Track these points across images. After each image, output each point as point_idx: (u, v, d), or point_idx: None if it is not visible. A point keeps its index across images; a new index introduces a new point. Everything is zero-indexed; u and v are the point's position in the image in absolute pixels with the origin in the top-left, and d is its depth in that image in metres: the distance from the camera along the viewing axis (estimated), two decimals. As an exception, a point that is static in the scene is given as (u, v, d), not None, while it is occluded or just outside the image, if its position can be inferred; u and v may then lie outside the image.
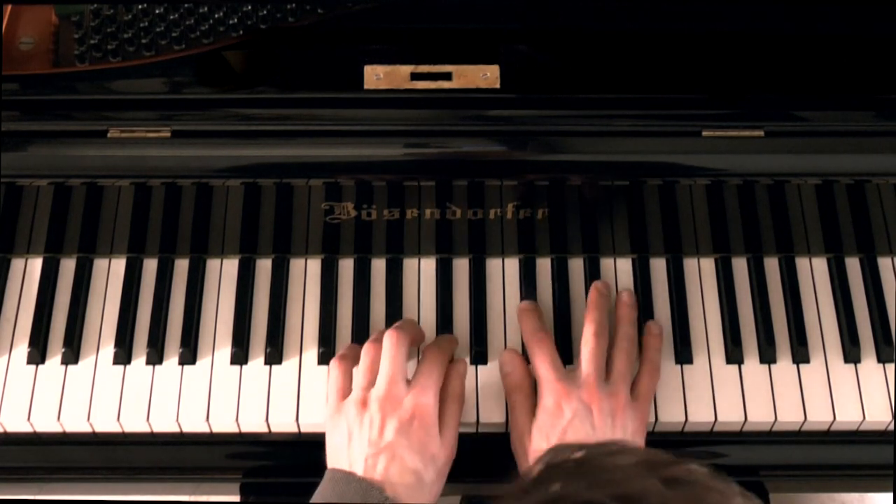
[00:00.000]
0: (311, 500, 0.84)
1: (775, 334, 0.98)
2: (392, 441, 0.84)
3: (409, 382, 0.88)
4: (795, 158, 0.92)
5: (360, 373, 0.90)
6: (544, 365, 0.90)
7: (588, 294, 0.97)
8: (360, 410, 0.86)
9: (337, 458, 0.86)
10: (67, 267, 1.01)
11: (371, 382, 0.88)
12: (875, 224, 0.98)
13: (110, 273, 1.01)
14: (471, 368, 0.96)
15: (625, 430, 0.88)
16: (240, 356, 0.97)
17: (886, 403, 0.95)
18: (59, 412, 0.94)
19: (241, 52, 0.94)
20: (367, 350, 0.91)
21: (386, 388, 0.87)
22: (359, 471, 0.84)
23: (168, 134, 0.89)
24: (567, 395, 0.88)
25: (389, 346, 0.89)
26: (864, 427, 0.95)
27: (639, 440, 0.90)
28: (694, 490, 0.49)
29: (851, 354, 0.97)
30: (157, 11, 0.94)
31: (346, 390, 0.89)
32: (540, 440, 0.87)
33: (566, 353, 0.96)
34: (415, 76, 0.91)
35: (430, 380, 0.88)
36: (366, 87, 0.91)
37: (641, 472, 0.50)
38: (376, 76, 0.91)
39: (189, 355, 0.97)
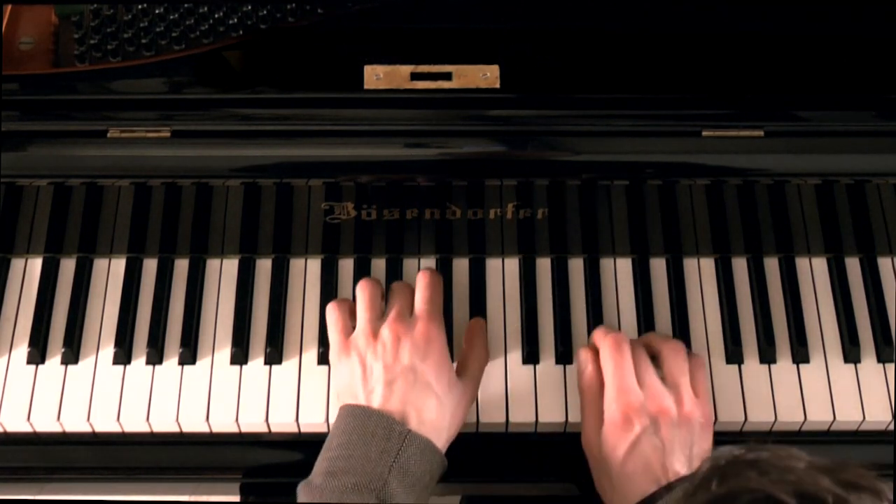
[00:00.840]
0: (330, 435, 0.83)
1: (775, 334, 0.98)
2: (409, 364, 0.84)
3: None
4: (795, 158, 0.92)
5: (361, 308, 0.90)
6: (615, 372, 0.87)
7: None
8: (370, 340, 0.86)
9: (351, 394, 0.85)
10: (67, 267, 1.01)
11: (376, 314, 0.89)
12: (875, 224, 0.98)
13: (110, 273, 1.01)
14: (471, 368, 0.96)
15: (691, 432, 0.86)
16: (240, 356, 0.97)
17: (886, 403, 0.95)
18: (59, 412, 0.94)
19: (241, 52, 0.94)
20: (363, 287, 0.91)
21: (395, 314, 0.87)
22: (376, 401, 0.83)
23: (168, 134, 0.89)
24: (636, 408, 0.85)
25: (395, 286, 0.91)
26: (863, 427, 0.95)
27: (707, 437, 0.87)
28: (868, 493, 0.49)
29: (851, 354, 0.97)
30: (157, 11, 0.94)
31: (349, 328, 0.90)
32: (609, 450, 0.86)
33: (566, 354, 0.96)
34: (415, 76, 0.91)
35: (435, 306, 0.89)
36: (366, 86, 0.91)
37: (815, 473, 0.50)
38: (376, 76, 0.91)
39: (189, 355, 0.97)
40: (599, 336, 0.91)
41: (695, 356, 0.93)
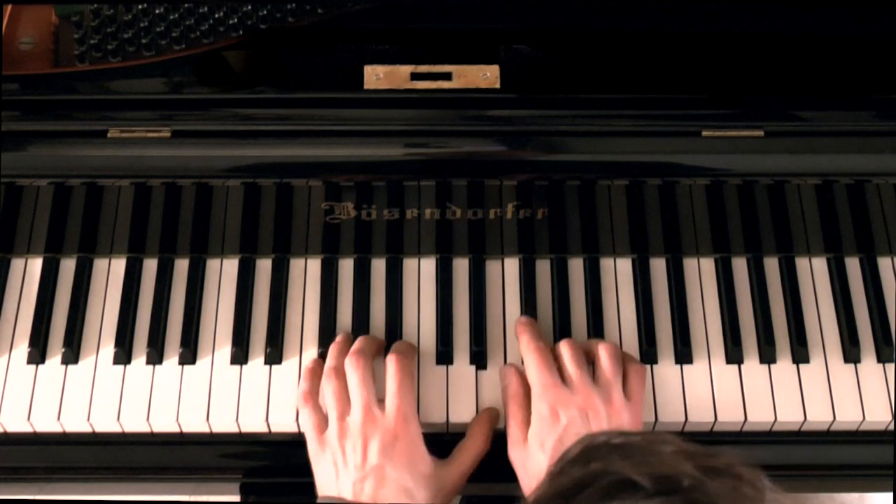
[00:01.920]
0: None
1: (775, 334, 0.98)
2: (377, 463, 0.84)
3: (382, 402, 0.88)
4: (795, 158, 0.92)
5: (330, 404, 0.89)
6: (538, 371, 0.90)
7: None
8: (340, 440, 0.86)
9: (326, 488, 0.86)
10: (67, 267, 1.01)
11: (344, 411, 0.88)
12: (875, 224, 0.98)
13: (110, 273, 1.01)
14: (470, 368, 0.96)
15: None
16: (240, 356, 0.97)
17: (886, 403, 0.95)
18: (59, 412, 0.94)
19: (241, 52, 0.94)
20: (328, 379, 0.91)
21: (362, 412, 0.87)
22: (348, 497, 0.84)
23: (168, 134, 0.89)
24: (563, 402, 0.87)
25: (353, 371, 0.89)
26: (863, 427, 0.95)
27: None
28: (728, 479, 0.49)
29: (851, 354, 0.97)
30: (157, 11, 0.94)
31: (322, 424, 0.89)
32: (536, 448, 0.87)
33: (566, 353, 0.96)
34: (415, 76, 0.91)
35: (404, 395, 0.88)
36: (366, 87, 0.91)
37: (679, 458, 0.51)
38: (376, 76, 0.91)
39: (189, 355, 0.97)
40: (524, 343, 0.93)
41: (634, 363, 0.94)
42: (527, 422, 0.89)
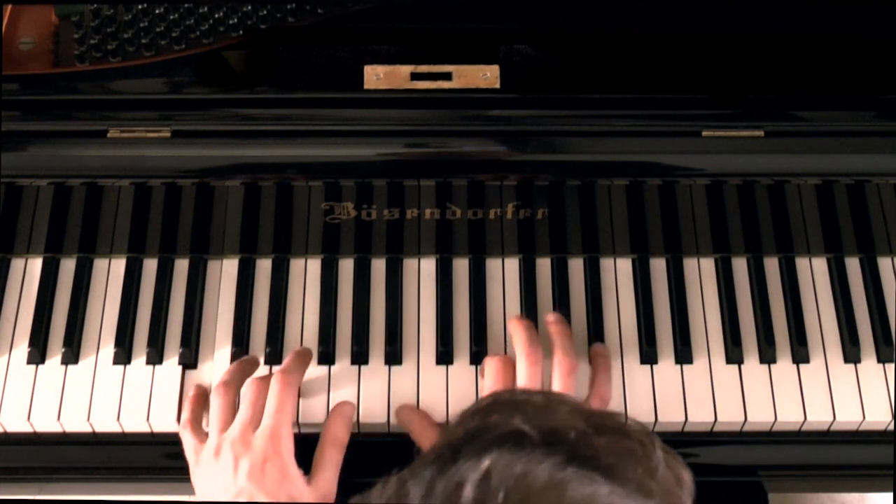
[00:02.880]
0: None
1: (775, 334, 0.98)
2: (245, 486, 0.83)
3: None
4: (795, 158, 0.92)
5: (213, 420, 0.89)
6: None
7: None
8: (214, 456, 0.86)
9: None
10: (67, 267, 1.01)
11: (224, 427, 0.87)
12: (875, 224, 0.98)
13: (110, 273, 1.01)
14: (470, 368, 0.96)
15: None
16: (240, 356, 0.97)
17: (886, 403, 0.95)
18: (59, 412, 0.94)
19: (241, 52, 0.94)
20: (216, 396, 0.89)
21: (240, 431, 0.86)
22: None
23: (168, 134, 0.89)
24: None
25: (248, 390, 0.88)
26: (864, 427, 0.95)
27: None
28: (616, 437, 0.51)
29: (851, 354, 0.97)
30: (157, 11, 0.94)
31: (200, 446, 0.88)
32: None
33: (566, 353, 0.96)
34: (415, 76, 0.91)
35: (282, 416, 0.86)
36: (366, 87, 0.91)
37: (573, 415, 0.52)
38: (376, 76, 0.91)
39: (189, 355, 0.97)
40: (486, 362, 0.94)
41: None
42: None
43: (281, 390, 0.88)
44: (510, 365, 0.92)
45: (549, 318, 0.96)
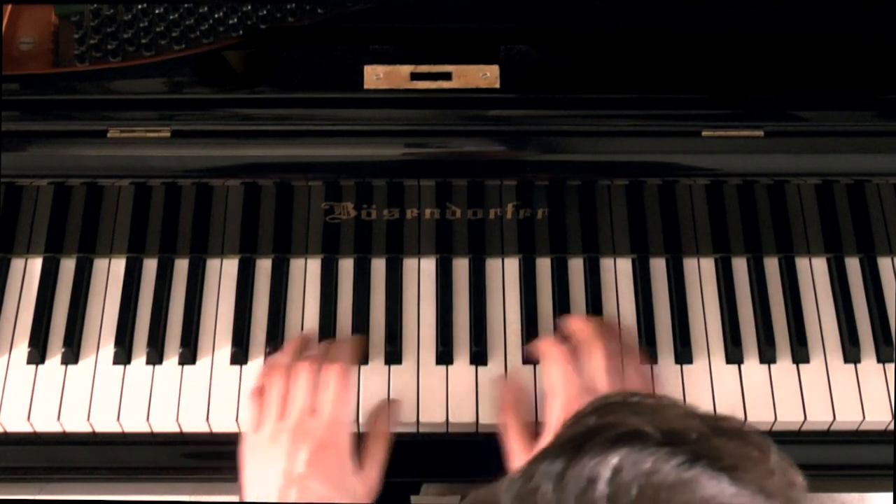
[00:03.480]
0: None
1: (775, 334, 0.98)
2: (303, 472, 0.83)
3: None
4: (795, 158, 0.92)
5: (269, 403, 0.89)
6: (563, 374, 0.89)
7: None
8: (270, 442, 0.86)
9: (251, 491, 0.86)
10: (67, 267, 1.01)
11: (282, 413, 0.88)
12: (875, 224, 0.98)
13: (110, 273, 1.01)
14: (470, 368, 0.96)
15: None
16: (240, 356, 0.97)
17: (886, 403, 0.95)
18: (59, 412, 0.94)
19: (241, 52, 0.94)
20: (274, 378, 0.90)
21: (298, 419, 0.86)
22: (273, 500, 0.83)
23: (168, 134, 0.89)
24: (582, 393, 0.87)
25: (301, 376, 0.88)
26: (863, 427, 0.95)
27: None
28: (734, 439, 0.51)
29: (851, 354, 0.97)
30: (157, 11, 0.94)
31: (259, 423, 0.89)
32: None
33: (566, 353, 0.96)
34: (415, 76, 0.91)
35: (341, 406, 0.87)
36: (366, 87, 0.91)
37: (689, 418, 0.52)
38: (376, 76, 0.91)
39: (189, 355, 0.97)
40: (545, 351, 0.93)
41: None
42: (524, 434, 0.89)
43: (340, 380, 0.89)
44: (568, 348, 0.92)
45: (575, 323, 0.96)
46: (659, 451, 0.48)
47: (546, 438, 0.87)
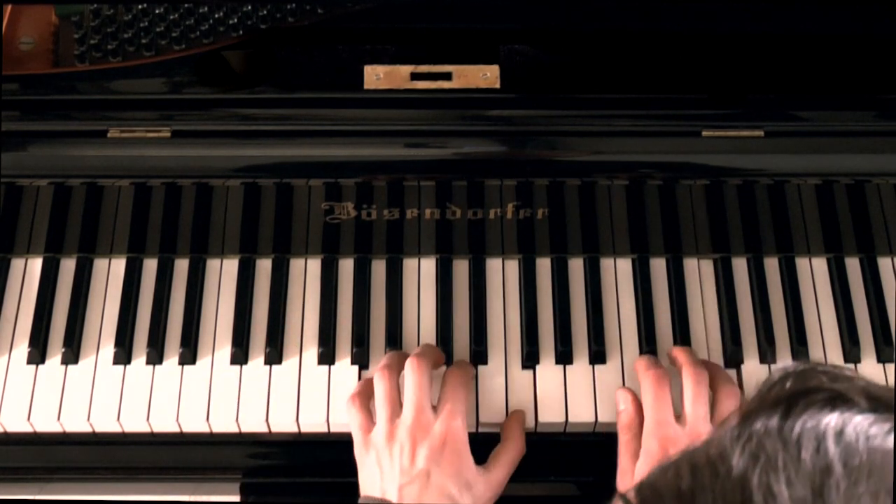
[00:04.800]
0: None
1: (775, 334, 0.98)
2: (424, 468, 0.83)
3: (434, 408, 0.88)
4: (795, 158, 0.92)
5: (380, 404, 0.88)
6: (652, 406, 0.88)
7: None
8: (388, 442, 0.86)
9: (370, 488, 0.86)
10: (67, 267, 1.01)
11: (394, 412, 0.87)
12: (875, 224, 0.98)
13: (110, 273, 1.01)
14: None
15: None
16: (240, 356, 0.97)
17: (886, 403, 0.95)
18: (59, 412, 0.94)
19: (241, 52, 0.94)
20: (380, 380, 0.89)
21: (413, 415, 0.86)
22: (393, 499, 0.83)
23: (168, 134, 0.89)
24: (673, 441, 0.85)
25: (413, 373, 0.88)
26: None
27: None
28: None
29: (851, 354, 0.97)
30: (157, 11, 0.94)
31: (369, 425, 0.88)
32: None
33: (567, 354, 0.96)
34: (415, 76, 0.91)
35: (458, 404, 0.87)
36: (366, 87, 0.91)
37: (874, 386, 0.52)
38: (376, 76, 0.91)
39: (189, 355, 0.97)
40: (642, 368, 0.91)
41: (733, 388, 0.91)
42: (636, 454, 0.88)
43: (455, 378, 0.89)
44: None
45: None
46: (869, 416, 0.48)
47: (640, 463, 0.86)
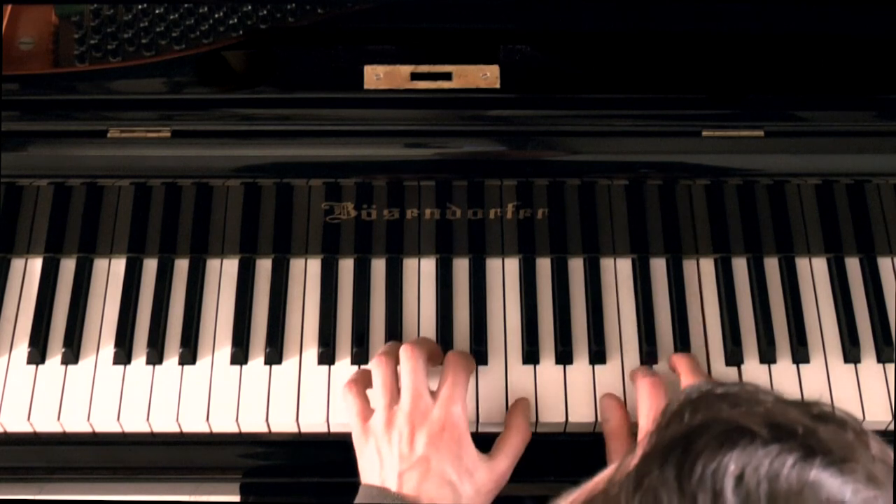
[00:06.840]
0: None
1: (775, 334, 0.98)
2: (423, 454, 0.83)
3: (433, 394, 0.87)
4: (795, 158, 0.92)
5: (378, 391, 0.88)
6: (648, 415, 0.88)
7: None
8: (386, 428, 0.86)
9: (370, 476, 0.86)
10: (67, 267, 1.01)
11: (393, 399, 0.87)
12: (875, 224, 0.98)
13: (110, 273, 1.01)
14: (471, 368, 0.96)
15: None
16: (240, 356, 0.97)
17: (886, 403, 0.95)
18: (59, 412, 0.94)
19: (241, 52, 0.94)
20: (378, 366, 0.89)
21: (411, 401, 0.86)
22: (392, 487, 0.83)
23: (168, 134, 0.89)
24: None
25: (408, 360, 0.88)
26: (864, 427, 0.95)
27: None
28: (831, 423, 0.49)
29: (851, 354, 0.97)
30: (157, 11, 0.94)
31: (367, 412, 0.88)
32: None
33: (566, 354, 0.96)
34: (415, 76, 0.91)
35: (457, 389, 0.87)
36: (366, 87, 0.91)
37: (783, 407, 0.51)
38: (376, 76, 0.91)
39: (189, 355, 0.97)
40: (638, 377, 0.92)
41: None
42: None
43: (454, 364, 0.89)
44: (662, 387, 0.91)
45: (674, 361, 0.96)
46: (771, 450, 0.46)
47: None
